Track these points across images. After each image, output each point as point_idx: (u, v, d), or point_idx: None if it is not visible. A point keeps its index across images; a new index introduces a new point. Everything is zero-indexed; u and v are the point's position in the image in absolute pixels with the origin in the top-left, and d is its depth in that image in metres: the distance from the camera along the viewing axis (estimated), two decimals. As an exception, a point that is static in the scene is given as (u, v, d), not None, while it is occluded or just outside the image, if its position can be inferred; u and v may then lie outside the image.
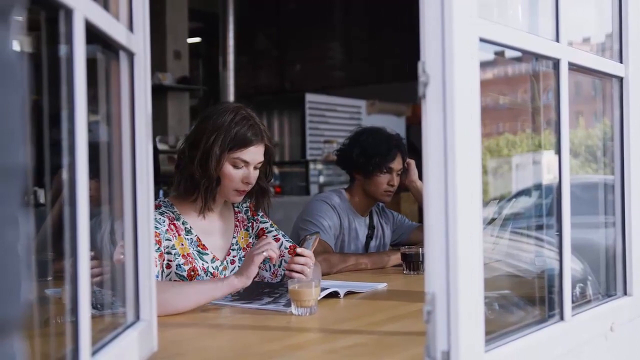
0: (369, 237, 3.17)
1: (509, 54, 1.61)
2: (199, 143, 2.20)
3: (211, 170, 2.19)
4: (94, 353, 1.09)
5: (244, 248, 2.38)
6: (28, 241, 0.59)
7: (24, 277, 0.56)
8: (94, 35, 1.11)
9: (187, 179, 2.23)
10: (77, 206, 1.01)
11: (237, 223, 2.40)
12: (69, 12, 1.00)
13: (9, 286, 0.54)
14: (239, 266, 2.31)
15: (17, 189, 0.58)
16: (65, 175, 1.02)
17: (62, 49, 1.01)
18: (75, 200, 1.01)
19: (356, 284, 2.33)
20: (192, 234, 2.25)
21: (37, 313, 1.22)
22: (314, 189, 7.33)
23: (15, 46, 0.61)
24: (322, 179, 7.58)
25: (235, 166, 2.22)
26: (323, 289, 2.06)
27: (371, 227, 3.19)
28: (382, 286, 2.38)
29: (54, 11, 0.99)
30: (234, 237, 2.37)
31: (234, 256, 2.35)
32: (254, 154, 2.23)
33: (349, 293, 2.21)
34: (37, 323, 1.18)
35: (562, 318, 1.55)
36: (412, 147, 3.25)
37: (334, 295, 2.14)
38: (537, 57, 1.60)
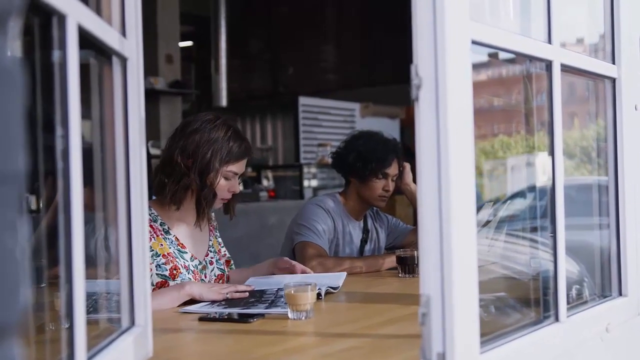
0: (364, 241, 3.16)
1: (503, 55, 1.62)
2: (195, 156, 2.27)
3: (210, 183, 2.29)
4: (89, 359, 1.08)
5: (217, 251, 2.50)
6: (26, 246, 0.59)
7: (22, 282, 0.57)
8: (86, 40, 1.11)
9: (181, 189, 2.29)
10: (71, 212, 1.01)
11: (211, 228, 2.52)
12: (62, 18, 1.00)
13: (8, 290, 0.54)
14: (217, 267, 2.45)
15: (16, 195, 0.58)
16: (59, 181, 1.01)
17: (55, 54, 1.01)
18: (69, 206, 1.01)
19: (324, 275, 2.44)
20: (170, 234, 2.33)
21: (32, 319, 1.22)
22: (308, 192, 7.32)
23: (13, 52, 0.61)
24: (316, 183, 7.56)
25: (226, 178, 2.33)
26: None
27: (365, 231, 3.18)
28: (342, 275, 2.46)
29: (46, 16, 0.99)
30: (210, 240, 2.48)
31: (211, 257, 2.46)
32: (244, 166, 2.38)
33: (329, 292, 2.25)
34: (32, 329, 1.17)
35: (557, 319, 1.55)
36: (407, 150, 3.24)
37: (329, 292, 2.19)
38: (530, 58, 1.60)
